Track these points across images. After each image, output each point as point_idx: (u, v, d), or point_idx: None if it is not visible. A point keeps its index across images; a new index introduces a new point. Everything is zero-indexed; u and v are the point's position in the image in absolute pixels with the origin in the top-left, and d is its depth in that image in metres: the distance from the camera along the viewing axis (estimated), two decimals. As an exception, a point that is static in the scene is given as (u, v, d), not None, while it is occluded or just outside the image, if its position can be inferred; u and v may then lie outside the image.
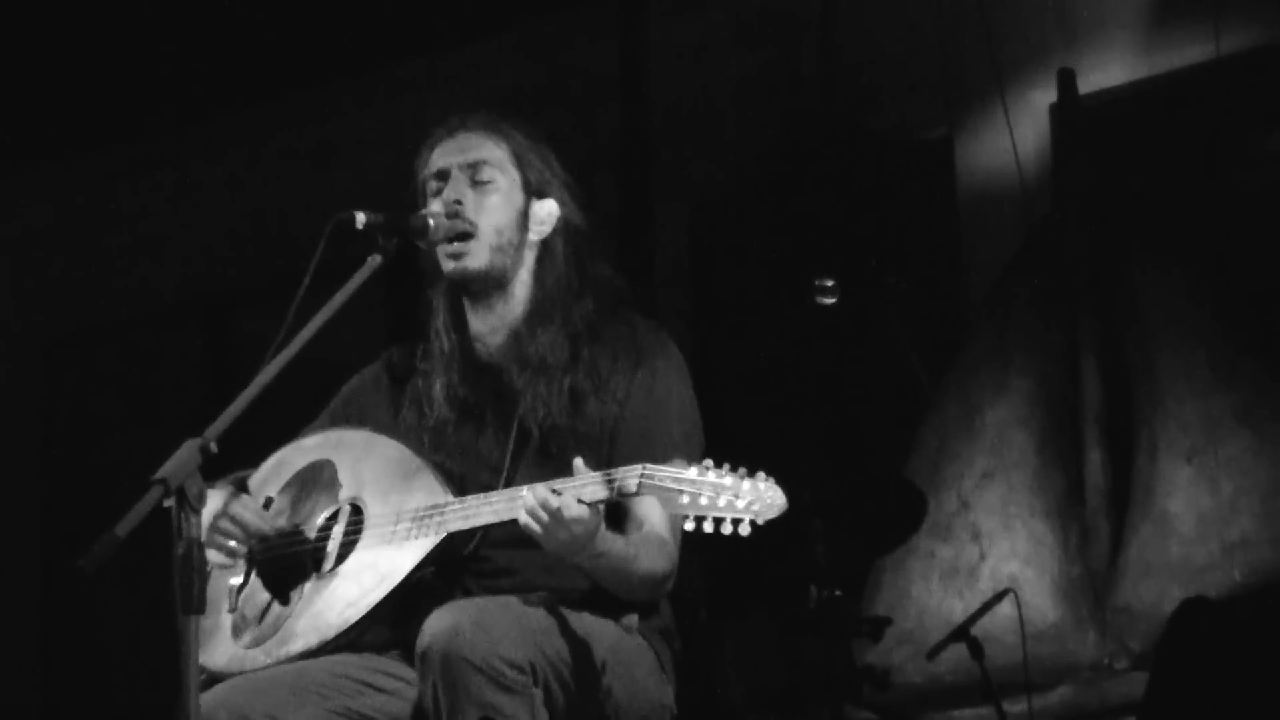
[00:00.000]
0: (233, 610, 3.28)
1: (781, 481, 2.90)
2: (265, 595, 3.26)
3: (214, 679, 3.16)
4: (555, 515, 2.94)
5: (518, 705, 2.92)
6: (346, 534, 3.25)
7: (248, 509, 3.24)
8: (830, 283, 5.48)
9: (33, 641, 8.10)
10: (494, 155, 3.35)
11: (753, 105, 6.65)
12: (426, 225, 3.25)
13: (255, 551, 3.26)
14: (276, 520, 3.30)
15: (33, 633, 8.09)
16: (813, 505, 4.64)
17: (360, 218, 3.12)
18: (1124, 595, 5.32)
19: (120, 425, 7.95)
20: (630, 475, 2.93)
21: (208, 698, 3.03)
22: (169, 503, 2.64)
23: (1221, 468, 5.26)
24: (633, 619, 3.23)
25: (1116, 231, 5.71)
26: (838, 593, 4.76)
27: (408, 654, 3.07)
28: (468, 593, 3.18)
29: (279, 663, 3.15)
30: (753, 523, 2.86)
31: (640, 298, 3.56)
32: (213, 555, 3.19)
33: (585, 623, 3.12)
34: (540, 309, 3.35)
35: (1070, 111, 5.88)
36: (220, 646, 3.24)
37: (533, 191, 3.37)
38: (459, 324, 3.38)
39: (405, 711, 3.13)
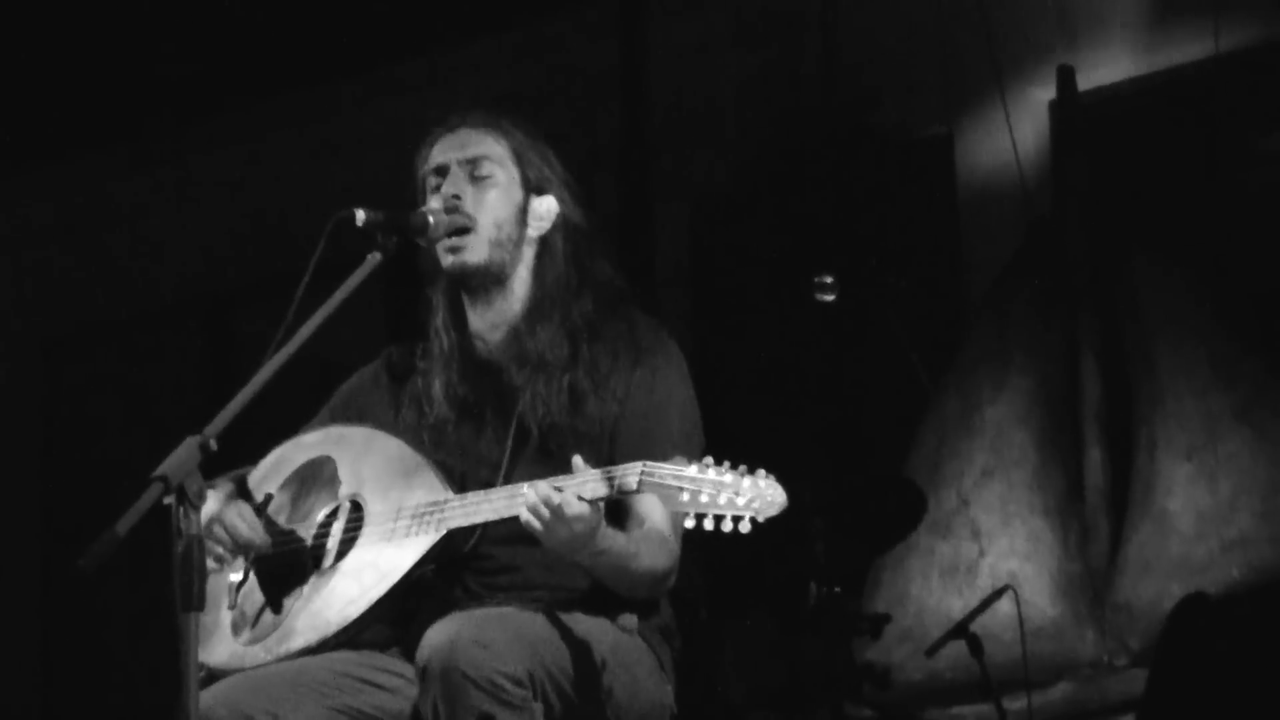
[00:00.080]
0: (232, 608, 3.28)
1: (782, 479, 2.90)
2: (264, 593, 3.26)
3: (213, 676, 3.16)
4: (556, 512, 2.94)
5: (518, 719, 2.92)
6: (346, 531, 3.25)
7: (242, 518, 3.23)
8: (830, 280, 5.48)
9: (33, 641, 8.09)
10: (493, 151, 3.35)
11: (753, 104, 6.65)
12: (426, 223, 3.25)
13: (245, 556, 3.27)
14: (277, 517, 3.31)
15: (33, 633, 8.09)
16: (813, 503, 4.64)
17: (360, 215, 3.12)
18: (1123, 593, 5.33)
19: (120, 425, 7.95)
20: (630, 473, 2.93)
21: (207, 695, 3.02)
22: (169, 500, 2.64)
23: (1221, 466, 5.26)
24: (632, 618, 3.23)
25: (1116, 229, 5.71)
26: (837, 590, 4.76)
27: (408, 651, 3.07)
28: (468, 590, 3.18)
29: (279, 660, 3.15)
30: (753, 520, 2.86)
31: (640, 296, 3.56)
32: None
33: (584, 625, 3.11)
34: (540, 306, 3.35)
35: (1070, 109, 5.88)
36: (220, 644, 3.24)
37: (532, 188, 3.38)
38: (458, 322, 3.38)
39: (405, 709, 3.13)
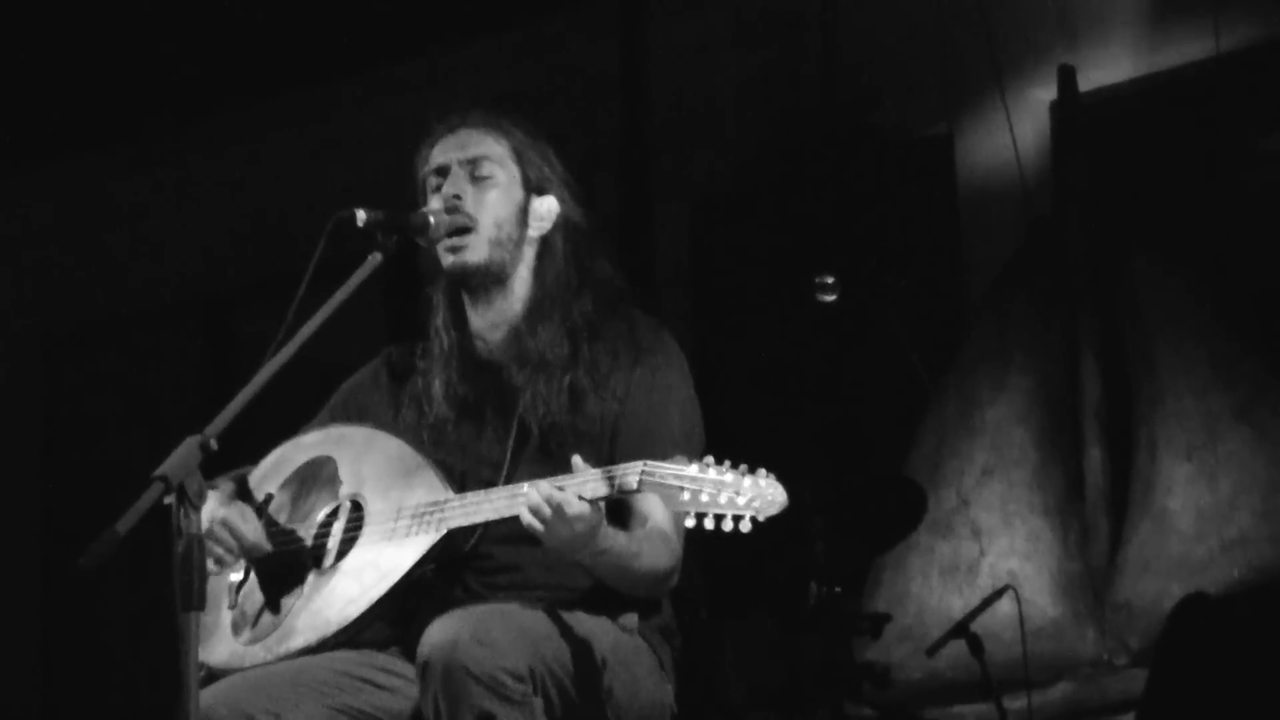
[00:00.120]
0: (232, 607, 3.28)
1: (782, 479, 2.90)
2: (265, 592, 3.26)
3: (214, 676, 3.16)
4: (557, 511, 2.94)
5: (518, 715, 2.92)
6: (346, 531, 3.25)
7: (244, 519, 3.23)
8: (830, 280, 5.48)
9: (33, 641, 8.10)
10: (494, 151, 3.35)
11: (753, 104, 6.65)
12: (427, 223, 3.26)
13: (246, 559, 3.27)
14: (277, 517, 3.31)
15: (33, 632, 8.09)
16: (813, 503, 4.65)
17: (361, 215, 3.12)
18: (1123, 592, 5.33)
19: (120, 425, 7.95)
20: (631, 472, 2.93)
21: (207, 694, 3.02)
22: (169, 500, 2.64)
23: (1221, 465, 5.26)
24: (632, 618, 3.23)
25: (1116, 229, 5.71)
26: (838, 590, 4.76)
27: (408, 651, 3.07)
28: (468, 590, 3.18)
29: (279, 659, 3.15)
30: (753, 519, 2.86)
31: (640, 296, 3.56)
32: None
33: (584, 623, 3.11)
34: (540, 306, 3.35)
35: (1070, 109, 5.88)
36: (220, 643, 3.24)
37: (532, 188, 3.38)
38: (459, 321, 3.38)
39: (405, 708, 3.13)
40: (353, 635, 3.15)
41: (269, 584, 3.27)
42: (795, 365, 6.23)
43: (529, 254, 3.37)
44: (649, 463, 2.92)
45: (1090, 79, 5.91)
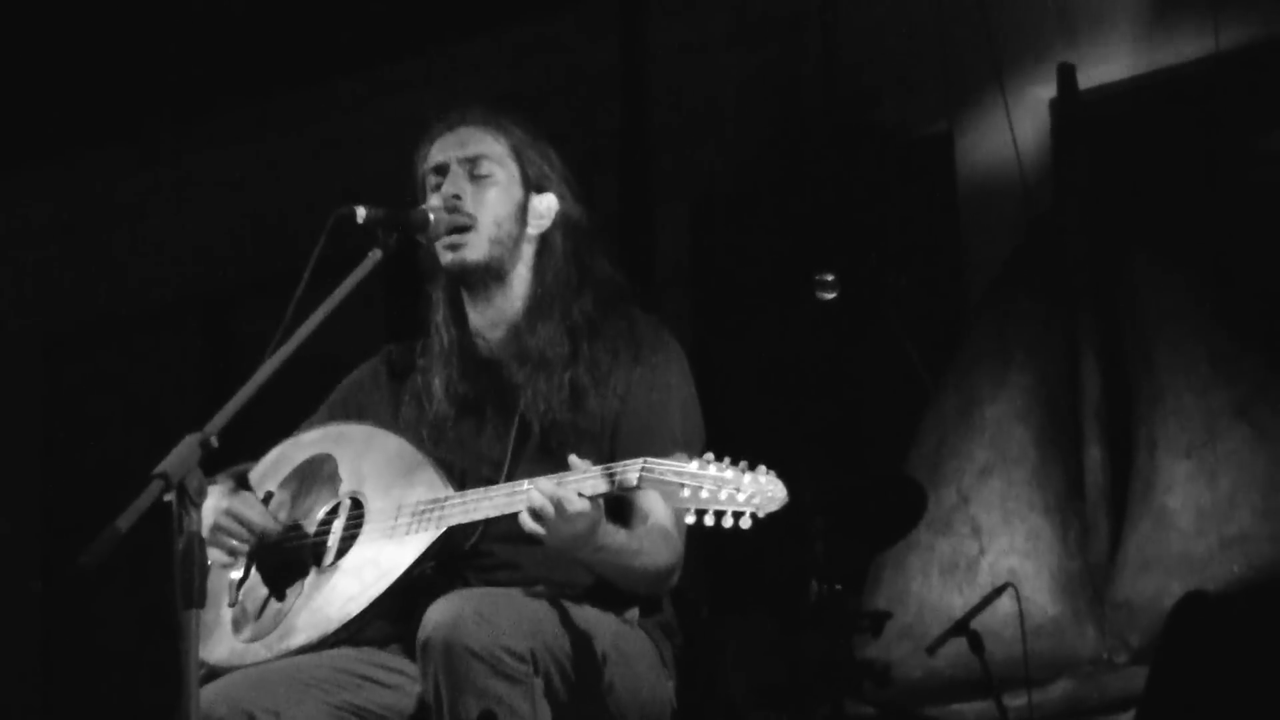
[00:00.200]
0: (233, 605, 3.27)
1: (782, 476, 2.90)
2: (265, 590, 3.26)
3: (214, 673, 3.16)
4: (558, 509, 2.94)
5: (518, 694, 2.92)
6: (347, 528, 3.25)
7: (250, 506, 3.24)
8: (831, 278, 5.49)
9: (33, 641, 8.10)
10: (493, 150, 3.35)
11: (753, 103, 6.65)
12: (427, 220, 3.26)
13: (255, 547, 3.26)
14: (277, 515, 3.30)
15: (33, 632, 8.09)
16: (813, 501, 4.64)
17: (361, 212, 3.12)
18: (1123, 590, 5.33)
19: (120, 424, 7.96)
20: (631, 469, 2.92)
21: (208, 692, 3.02)
22: (169, 497, 2.64)
23: (1220, 462, 5.26)
24: (633, 613, 3.24)
25: (1116, 227, 5.71)
26: (838, 588, 4.76)
27: (409, 648, 3.07)
28: (468, 586, 3.17)
29: (279, 657, 3.15)
30: (754, 516, 2.86)
31: (640, 295, 3.56)
32: (215, 554, 3.20)
33: (587, 616, 3.11)
34: (539, 304, 3.34)
35: (1070, 107, 5.89)
36: (220, 641, 3.24)
37: (531, 186, 3.37)
38: (459, 319, 3.38)
39: (406, 705, 3.13)
40: (353, 633, 3.15)
41: (269, 581, 3.27)
42: (795, 364, 6.23)
43: (528, 252, 3.37)
44: (649, 459, 2.92)
45: (1090, 77, 5.91)
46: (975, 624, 4.96)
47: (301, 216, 4.45)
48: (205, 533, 2.92)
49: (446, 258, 3.31)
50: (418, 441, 3.30)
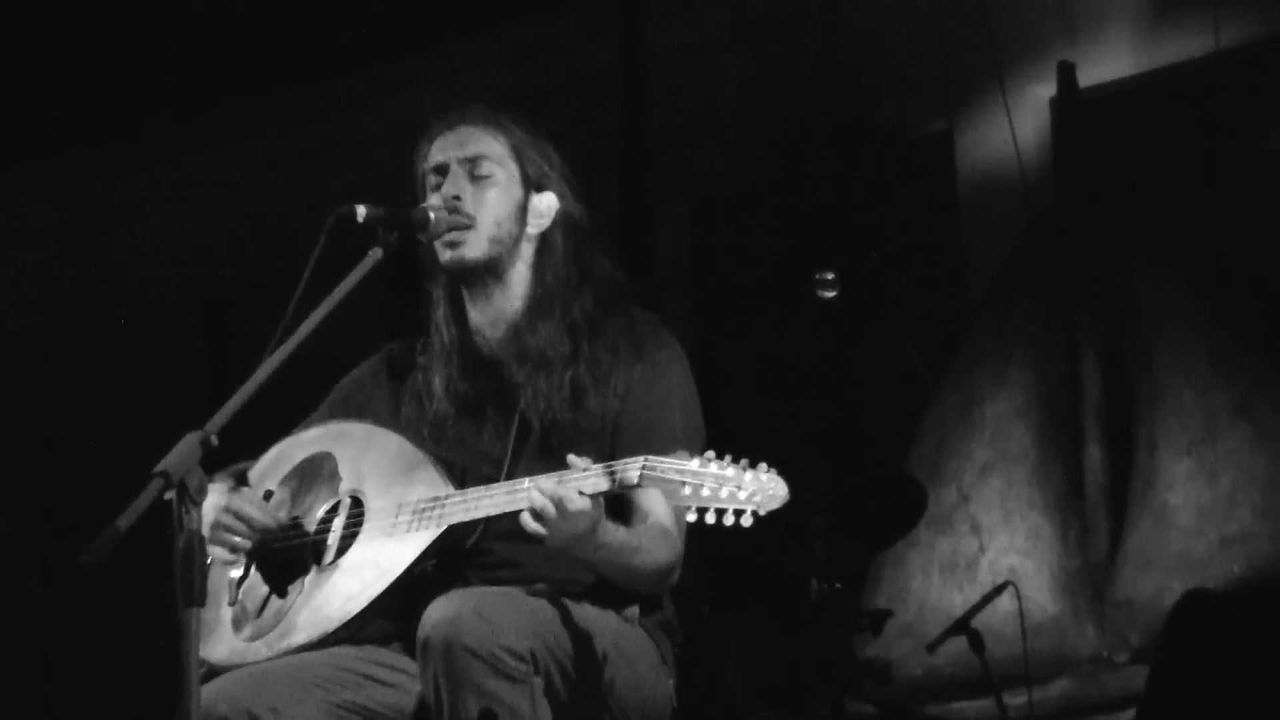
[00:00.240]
0: (233, 603, 3.27)
1: (782, 474, 2.90)
2: (266, 588, 3.26)
3: (214, 672, 3.15)
4: (559, 508, 2.94)
5: (518, 693, 2.92)
6: (347, 527, 3.25)
7: (250, 503, 3.24)
8: (831, 276, 5.49)
9: (33, 641, 8.09)
10: (492, 150, 3.35)
11: (753, 102, 6.65)
12: (428, 219, 3.26)
13: (256, 545, 3.26)
14: (277, 513, 3.30)
15: (33, 632, 8.09)
16: (813, 501, 4.64)
17: (361, 211, 3.12)
18: (1123, 588, 5.33)
19: (120, 424, 7.95)
20: (632, 467, 2.92)
21: (208, 690, 3.02)
22: (170, 495, 2.64)
23: (1220, 461, 5.26)
24: (633, 611, 3.24)
25: (1116, 226, 5.71)
26: (838, 586, 4.76)
27: (409, 646, 3.06)
28: (469, 585, 3.17)
29: (280, 655, 3.15)
30: (755, 514, 2.85)
31: (640, 294, 3.56)
32: (217, 551, 3.20)
33: (587, 614, 3.11)
34: (539, 303, 3.34)
35: (1070, 105, 5.88)
36: (221, 640, 3.24)
37: (531, 185, 3.37)
38: (459, 317, 3.38)
39: (407, 704, 3.13)
40: (354, 631, 3.15)
41: (270, 580, 3.27)
42: (796, 363, 6.23)
43: (528, 251, 3.37)
44: (650, 457, 2.92)
45: (1090, 75, 5.91)
46: (975, 622, 4.96)
47: (301, 216, 4.45)
48: (206, 531, 2.92)
49: (445, 256, 3.31)
50: (418, 440, 3.29)
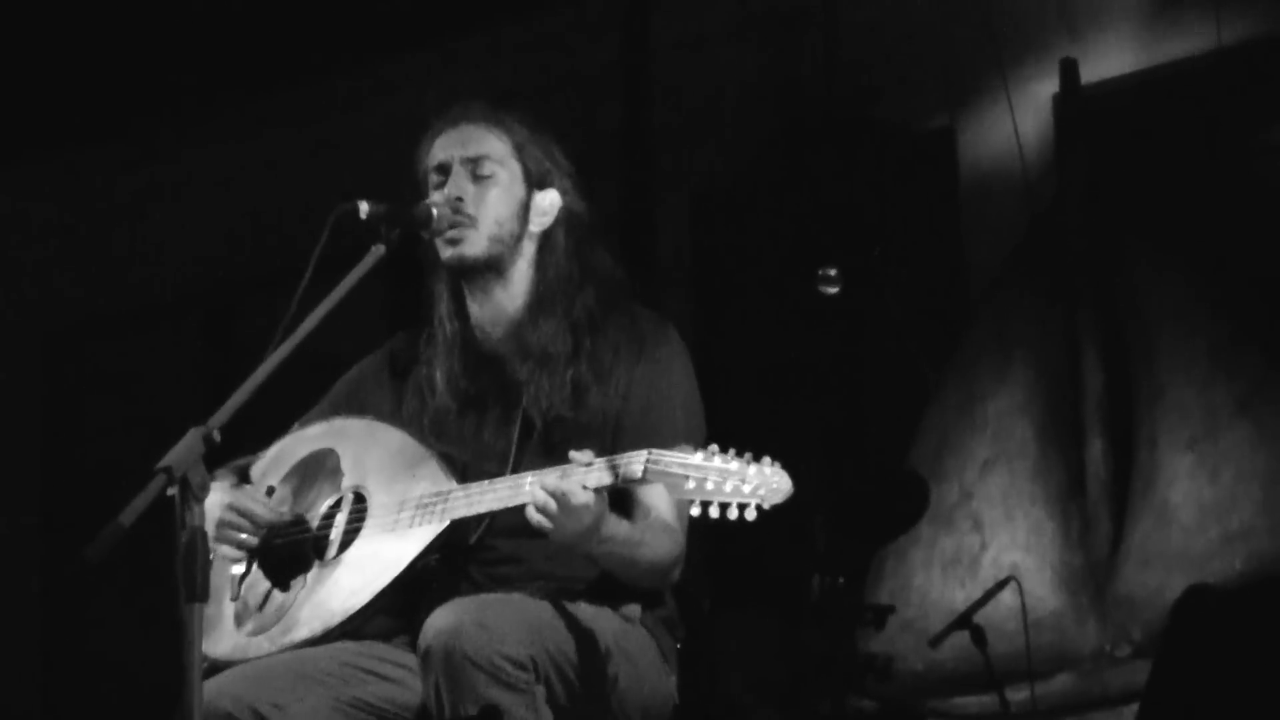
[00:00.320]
0: (235, 599, 3.27)
1: (785, 468, 2.90)
2: (268, 584, 3.26)
3: (216, 668, 3.15)
4: (562, 503, 2.94)
5: (519, 702, 2.92)
6: (349, 522, 3.25)
7: (255, 500, 3.24)
8: (833, 272, 5.49)
9: (33, 639, 8.09)
10: (495, 149, 3.35)
11: (754, 99, 6.65)
12: (430, 215, 3.26)
13: (262, 540, 3.26)
14: (280, 509, 3.30)
15: (33, 629, 8.09)
16: (815, 497, 4.65)
17: (364, 208, 3.13)
18: (1125, 584, 5.33)
19: (119, 422, 7.95)
20: (635, 461, 2.92)
21: (211, 686, 3.02)
22: (172, 491, 2.64)
23: (1221, 457, 5.26)
24: (635, 608, 3.23)
25: (1118, 223, 5.71)
26: (840, 582, 4.77)
27: (412, 642, 3.07)
28: (472, 581, 3.18)
29: (282, 651, 3.15)
30: (758, 508, 2.85)
31: (641, 290, 3.56)
32: (223, 549, 3.20)
33: (588, 614, 3.11)
34: (541, 300, 3.35)
35: (1072, 102, 5.88)
36: (223, 635, 3.24)
37: (534, 183, 3.37)
38: (461, 312, 3.38)
39: (410, 699, 3.13)
40: (357, 626, 3.15)
41: (272, 576, 3.27)
42: (797, 360, 6.23)
43: (530, 249, 3.37)
44: (654, 451, 2.91)
45: (1092, 72, 5.90)
46: (978, 618, 4.97)
47: (301, 214, 4.45)
48: (211, 528, 2.92)
49: (447, 253, 3.31)
50: (420, 434, 3.29)
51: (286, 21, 6.87)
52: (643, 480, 2.92)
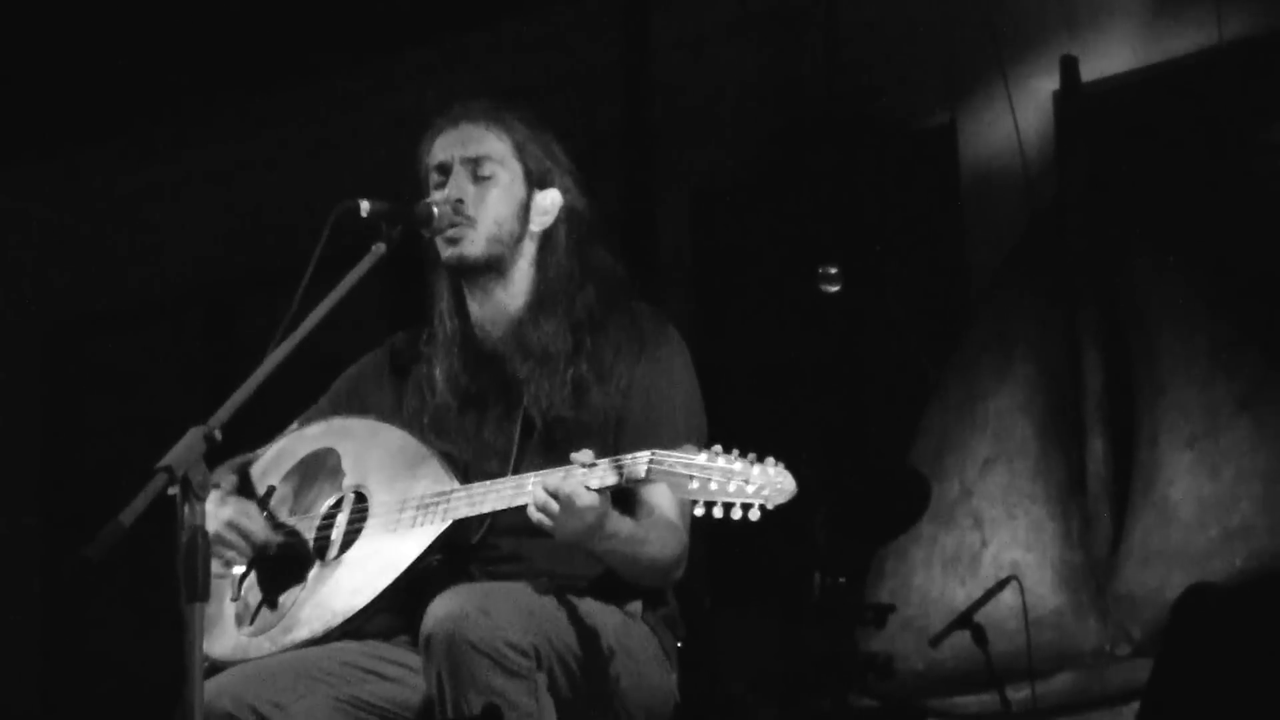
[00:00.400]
0: (235, 599, 3.27)
1: (787, 467, 2.89)
2: (269, 584, 3.25)
3: (216, 668, 3.15)
4: (566, 504, 2.94)
5: (521, 689, 2.92)
6: (351, 522, 3.24)
7: (251, 518, 3.23)
8: (834, 270, 5.49)
9: (33, 637, 8.09)
10: (495, 149, 3.34)
11: (755, 97, 6.65)
12: (430, 213, 3.26)
13: (254, 558, 3.26)
14: (279, 509, 3.30)
15: (33, 629, 8.09)
16: (816, 495, 4.64)
17: (364, 206, 3.12)
18: (1125, 582, 5.33)
19: (119, 420, 7.95)
20: (639, 461, 2.91)
21: (212, 686, 3.02)
22: (173, 491, 2.64)
23: (1222, 455, 5.26)
24: (636, 605, 3.23)
25: (1119, 220, 5.71)
26: (841, 580, 4.76)
27: (414, 642, 3.06)
28: (472, 579, 3.17)
29: (283, 650, 3.15)
30: (762, 508, 2.85)
31: (642, 288, 3.55)
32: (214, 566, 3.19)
33: (591, 610, 3.11)
34: (542, 299, 3.34)
35: (1073, 99, 5.88)
36: (224, 635, 3.23)
37: (534, 183, 3.36)
38: (461, 310, 3.37)
39: (411, 699, 3.12)
40: (358, 626, 3.14)
41: (273, 576, 3.26)
42: (798, 357, 6.23)
43: (530, 248, 3.36)
44: (657, 451, 2.91)
45: (1093, 69, 5.90)
46: (978, 616, 4.97)
47: (301, 212, 4.44)
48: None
49: (446, 252, 3.31)
50: (420, 433, 3.29)
51: (286, 21, 6.87)
52: (647, 480, 2.92)
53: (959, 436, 5.65)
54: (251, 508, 3.26)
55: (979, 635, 4.90)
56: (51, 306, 8.29)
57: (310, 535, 3.27)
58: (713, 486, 2.85)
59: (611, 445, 3.19)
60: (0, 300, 8.36)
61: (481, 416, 3.32)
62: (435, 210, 3.26)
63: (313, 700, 3.08)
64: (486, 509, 3.09)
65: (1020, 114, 6.04)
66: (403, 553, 3.13)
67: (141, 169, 7.96)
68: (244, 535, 3.20)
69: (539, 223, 3.36)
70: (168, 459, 2.63)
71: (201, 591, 2.61)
